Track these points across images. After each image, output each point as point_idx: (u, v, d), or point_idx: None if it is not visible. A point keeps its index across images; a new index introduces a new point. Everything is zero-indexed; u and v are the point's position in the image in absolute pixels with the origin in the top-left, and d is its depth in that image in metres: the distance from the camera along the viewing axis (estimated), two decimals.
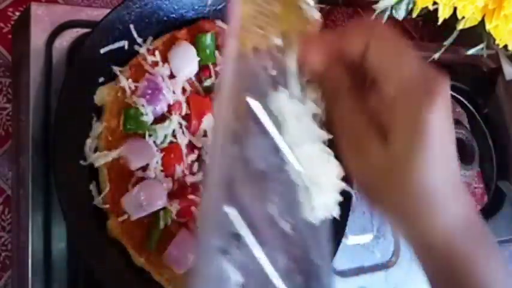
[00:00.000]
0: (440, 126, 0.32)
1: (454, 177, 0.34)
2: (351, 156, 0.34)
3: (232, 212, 0.26)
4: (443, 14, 0.68)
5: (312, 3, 0.37)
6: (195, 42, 0.57)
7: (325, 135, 0.35)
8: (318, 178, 0.34)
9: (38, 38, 0.55)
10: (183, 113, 0.55)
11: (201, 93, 0.57)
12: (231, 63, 0.31)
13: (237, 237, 0.26)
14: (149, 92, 0.53)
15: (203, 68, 0.58)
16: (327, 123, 0.36)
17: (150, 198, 0.51)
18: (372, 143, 0.33)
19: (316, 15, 0.37)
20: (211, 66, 0.58)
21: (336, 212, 0.36)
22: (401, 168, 0.32)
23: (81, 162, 0.52)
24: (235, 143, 0.28)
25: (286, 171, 0.33)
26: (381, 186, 0.34)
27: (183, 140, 0.54)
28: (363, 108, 0.34)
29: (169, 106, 0.55)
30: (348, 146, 0.34)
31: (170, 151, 0.54)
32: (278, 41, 0.34)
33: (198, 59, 0.56)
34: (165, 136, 0.54)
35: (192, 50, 0.56)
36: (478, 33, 0.75)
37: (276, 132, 0.33)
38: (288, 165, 0.33)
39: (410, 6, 0.71)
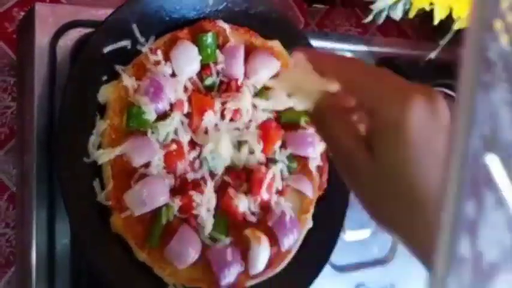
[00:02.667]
0: (419, 126, 0.32)
1: None
2: (345, 176, 0.36)
3: None
4: (439, 15, 0.69)
5: None
6: (196, 41, 0.57)
7: None
8: None
9: (42, 37, 0.55)
10: (185, 111, 0.56)
11: (202, 92, 0.58)
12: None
13: None
14: (152, 90, 0.53)
15: (204, 67, 0.58)
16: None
17: (152, 195, 0.52)
18: (361, 161, 0.34)
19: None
20: (212, 65, 0.58)
21: None
22: (391, 177, 0.33)
23: (85, 159, 0.52)
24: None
25: None
26: (376, 202, 0.35)
27: (184, 138, 0.55)
28: (352, 129, 0.35)
29: (171, 104, 0.55)
30: (341, 166, 0.36)
31: (172, 148, 0.54)
32: None
33: (200, 58, 0.57)
34: (167, 133, 0.54)
35: (193, 49, 0.56)
36: None
37: None
38: None
39: (407, 6, 0.71)
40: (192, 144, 0.56)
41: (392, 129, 0.32)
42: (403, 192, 0.33)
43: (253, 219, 0.57)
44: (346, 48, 0.77)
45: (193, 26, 0.59)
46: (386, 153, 0.33)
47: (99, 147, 0.53)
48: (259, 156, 0.58)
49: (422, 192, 0.32)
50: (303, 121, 0.61)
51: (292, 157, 0.60)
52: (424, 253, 0.33)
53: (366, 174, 0.34)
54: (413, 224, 0.33)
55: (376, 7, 0.70)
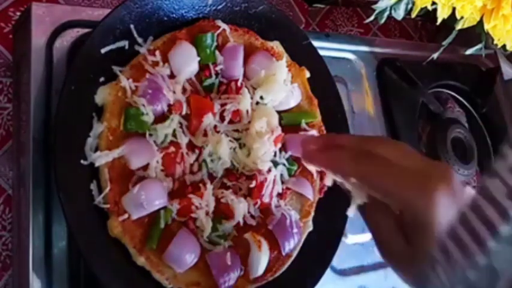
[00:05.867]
0: (445, 214, 0.37)
1: None
2: (386, 258, 0.44)
3: None
4: (442, 14, 0.69)
5: None
6: (195, 42, 0.57)
7: None
8: None
9: (38, 38, 0.55)
10: (184, 113, 0.55)
11: (201, 93, 0.58)
12: None
13: None
14: (150, 91, 0.53)
15: (203, 68, 0.58)
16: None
17: (150, 198, 0.51)
18: (398, 245, 0.41)
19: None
20: (211, 66, 0.58)
21: None
22: (424, 259, 0.38)
23: (82, 161, 0.52)
24: None
25: None
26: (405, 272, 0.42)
27: (183, 140, 0.54)
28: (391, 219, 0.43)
29: (169, 106, 0.55)
30: (384, 250, 0.44)
31: (170, 151, 0.54)
32: None
33: (198, 58, 0.57)
34: (166, 136, 0.54)
35: (192, 50, 0.56)
36: (476, 33, 0.75)
37: None
38: None
39: (410, 6, 0.71)
40: (191, 146, 0.55)
41: (422, 226, 0.38)
42: None
43: (253, 222, 0.56)
44: (347, 49, 0.77)
45: (192, 26, 0.58)
46: (420, 241, 0.39)
47: (97, 149, 0.52)
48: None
49: None
50: (303, 123, 0.60)
51: (292, 159, 0.60)
52: None
53: (403, 256, 0.41)
54: None
55: (378, 7, 0.70)
